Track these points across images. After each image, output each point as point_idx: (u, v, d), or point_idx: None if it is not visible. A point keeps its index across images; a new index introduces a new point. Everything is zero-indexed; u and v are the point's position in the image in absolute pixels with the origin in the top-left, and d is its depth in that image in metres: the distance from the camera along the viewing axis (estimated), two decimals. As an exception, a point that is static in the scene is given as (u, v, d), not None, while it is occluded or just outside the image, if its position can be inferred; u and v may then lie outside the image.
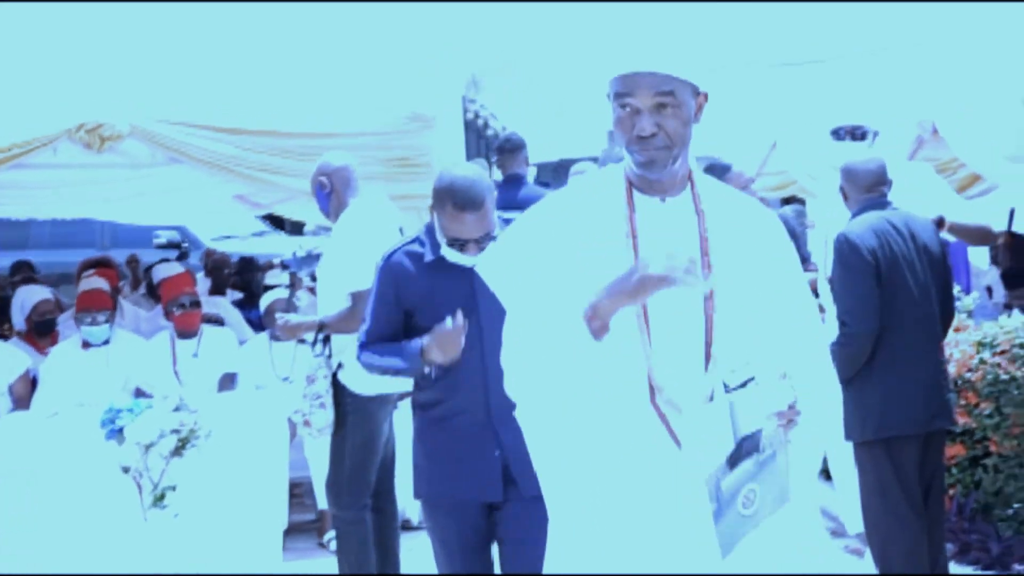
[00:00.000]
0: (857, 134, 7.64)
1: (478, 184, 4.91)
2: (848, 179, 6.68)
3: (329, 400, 6.76)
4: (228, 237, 19.78)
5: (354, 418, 6.84)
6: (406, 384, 5.73)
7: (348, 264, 6.71)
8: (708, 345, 3.35)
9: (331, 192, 6.96)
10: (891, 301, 6.20)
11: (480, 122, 10.06)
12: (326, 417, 6.76)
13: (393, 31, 8.63)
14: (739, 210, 3.58)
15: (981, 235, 7.45)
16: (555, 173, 20.01)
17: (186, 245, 18.47)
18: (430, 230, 5.13)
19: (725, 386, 3.28)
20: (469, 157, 10.81)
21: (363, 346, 5.20)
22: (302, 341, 7.20)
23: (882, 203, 6.52)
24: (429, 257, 5.07)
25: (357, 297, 6.62)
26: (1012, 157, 8.04)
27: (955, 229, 6.84)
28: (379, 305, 5.17)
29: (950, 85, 8.29)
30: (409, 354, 4.99)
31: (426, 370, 4.96)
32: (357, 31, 8.54)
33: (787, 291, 3.55)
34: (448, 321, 4.81)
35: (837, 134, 7.61)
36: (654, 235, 3.39)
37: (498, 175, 10.93)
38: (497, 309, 3.61)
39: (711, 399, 3.30)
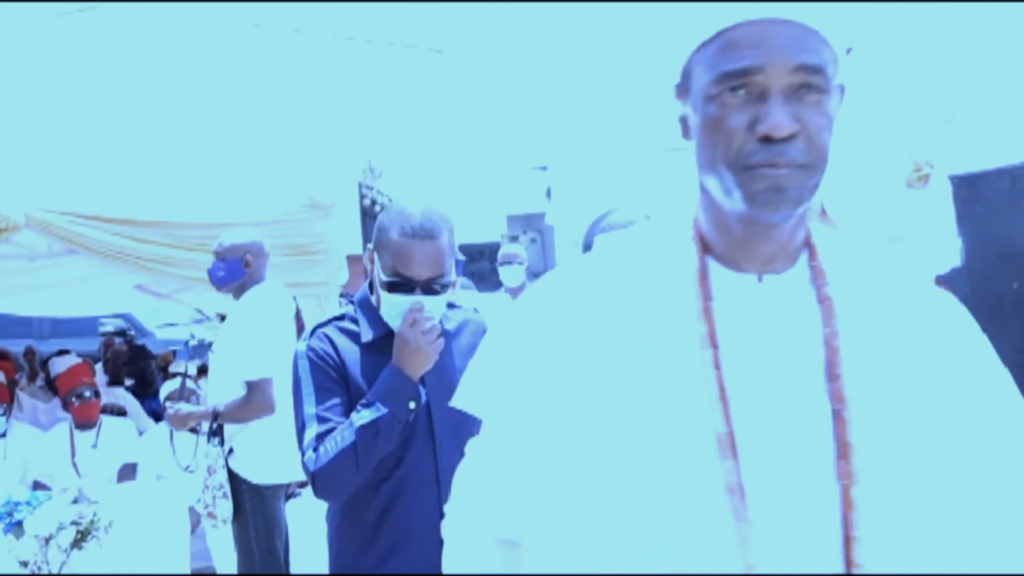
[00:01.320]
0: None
1: (433, 212, 3.84)
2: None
3: (230, 489, 6.73)
4: (172, 324, 19.39)
5: (252, 505, 6.77)
6: (301, 473, 4.54)
7: (245, 352, 6.69)
8: (847, 527, 1.85)
9: (246, 273, 6.88)
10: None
11: (377, 208, 10.10)
12: (229, 507, 6.72)
13: (289, 119, 8.69)
14: (893, 293, 2.04)
15: None
16: (453, 259, 20.02)
17: (132, 332, 18.08)
18: (364, 303, 4.02)
19: None
20: (366, 244, 10.89)
21: (317, 450, 3.71)
22: (194, 431, 7.13)
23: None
24: (368, 336, 3.91)
25: (253, 386, 6.62)
26: (893, 236, 8.28)
27: None
28: (322, 391, 3.82)
29: (835, 165, 8.53)
30: (385, 392, 3.73)
31: (411, 405, 3.74)
32: (253, 119, 8.58)
33: (992, 432, 1.97)
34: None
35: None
36: (746, 340, 1.94)
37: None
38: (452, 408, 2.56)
39: None
